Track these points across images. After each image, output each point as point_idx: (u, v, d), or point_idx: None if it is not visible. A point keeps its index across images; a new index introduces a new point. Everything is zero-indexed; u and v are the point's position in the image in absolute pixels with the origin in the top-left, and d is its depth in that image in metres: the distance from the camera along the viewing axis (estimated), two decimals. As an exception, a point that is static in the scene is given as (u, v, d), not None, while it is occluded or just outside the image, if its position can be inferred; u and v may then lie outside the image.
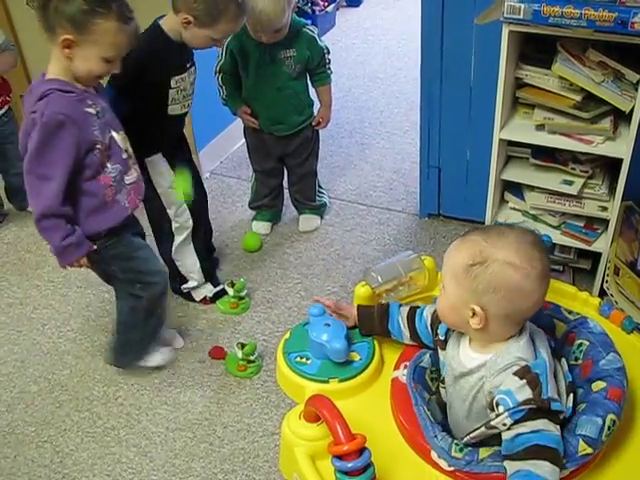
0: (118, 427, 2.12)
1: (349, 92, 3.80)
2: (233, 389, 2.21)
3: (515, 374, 1.19)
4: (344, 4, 4.63)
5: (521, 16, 1.93)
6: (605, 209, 2.20)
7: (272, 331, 2.41)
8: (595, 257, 2.36)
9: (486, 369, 1.26)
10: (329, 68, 2.61)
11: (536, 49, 2.19)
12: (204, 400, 2.18)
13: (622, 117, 2.11)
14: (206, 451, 2.04)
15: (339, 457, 1.20)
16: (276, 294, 2.56)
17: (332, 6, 4.29)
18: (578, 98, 2.09)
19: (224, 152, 3.32)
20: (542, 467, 1.14)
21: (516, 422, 1.17)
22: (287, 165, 2.78)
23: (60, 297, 2.61)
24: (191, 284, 2.49)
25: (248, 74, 2.53)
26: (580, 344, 1.36)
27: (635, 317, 1.84)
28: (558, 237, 2.26)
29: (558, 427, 1.18)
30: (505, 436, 1.19)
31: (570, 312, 1.46)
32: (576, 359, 1.36)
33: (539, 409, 1.16)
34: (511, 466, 1.17)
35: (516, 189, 2.36)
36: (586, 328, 1.39)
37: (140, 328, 2.16)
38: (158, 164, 2.26)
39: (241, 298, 2.47)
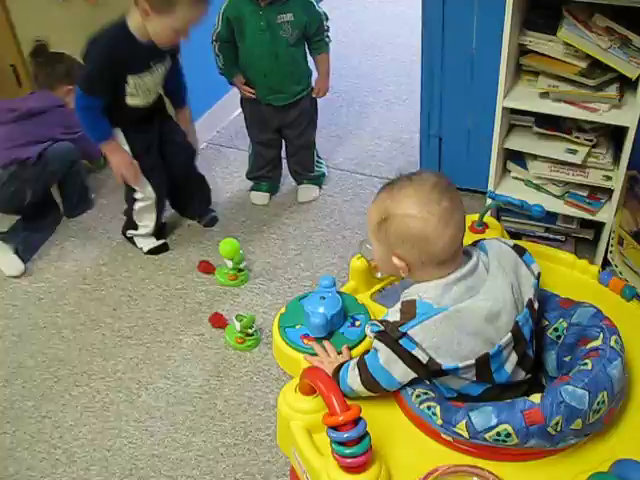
0: (117, 401, 2.10)
1: (346, 60, 3.72)
2: (233, 362, 2.19)
3: (402, 301, 1.27)
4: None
5: (527, -20, 1.87)
6: (609, 178, 2.16)
7: (271, 303, 2.38)
8: (597, 227, 2.33)
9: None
10: (327, 36, 2.55)
11: (540, 15, 2.14)
12: (204, 373, 2.17)
13: (628, 84, 2.07)
14: (207, 425, 2.02)
15: (334, 428, 1.18)
16: (275, 265, 2.53)
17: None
18: (583, 65, 2.04)
19: (221, 122, 3.26)
20: (353, 372, 1.31)
21: (375, 336, 1.28)
22: (285, 136, 2.72)
23: (56, 270, 2.58)
24: (137, 232, 2.59)
25: (244, 41, 2.48)
26: (586, 363, 1.27)
27: (639, 288, 1.82)
28: (562, 207, 2.24)
29: (398, 363, 1.24)
30: None
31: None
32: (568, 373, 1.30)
33: (387, 335, 1.25)
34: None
35: (519, 158, 2.32)
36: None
37: None
38: (117, 136, 2.32)
39: (240, 270, 2.44)
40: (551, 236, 2.39)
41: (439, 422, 1.23)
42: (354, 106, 3.36)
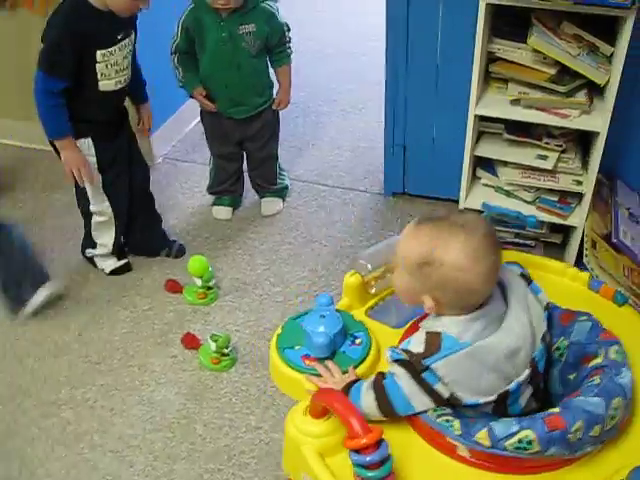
0: (91, 431, 2.00)
1: (299, 70, 3.65)
2: (210, 384, 2.12)
3: (426, 332, 1.26)
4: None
5: (500, -12, 1.88)
6: (579, 183, 2.19)
7: (244, 321, 2.32)
8: (565, 231, 2.36)
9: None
10: (289, 47, 2.51)
11: (507, 22, 2.15)
12: (180, 397, 2.08)
13: (595, 90, 2.10)
14: (188, 451, 1.94)
15: (356, 451, 1.15)
16: (244, 282, 2.47)
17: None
18: (552, 72, 2.07)
19: (176, 135, 3.17)
20: (369, 395, 1.27)
21: (397, 363, 1.25)
22: (247, 149, 2.66)
23: (13, 295, 2.45)
24: (96, 252, 2.48)
25: (205, 51, 2.41)
26: (592, 381, 1.28)
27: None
28: (533, 212, 2.24)
29: (419, 393, 1.23)
30: None
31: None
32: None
33: (411, 365, 1.23)
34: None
35: (488, 165, 2.33)
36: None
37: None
38: (85, 148, 2.19)
39: (209, 288, 2.37)
40: (521, 241, 2.40)
41: (457, 432, 1.21)
42: (310, 116, 3.33)
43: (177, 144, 3.18)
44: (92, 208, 2.32)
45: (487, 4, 1.94)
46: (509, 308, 1.29)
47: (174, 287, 2.42)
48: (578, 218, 2.22)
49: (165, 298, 2.41)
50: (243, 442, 1.95)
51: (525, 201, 2.26)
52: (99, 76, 2.08)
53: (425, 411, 1.26)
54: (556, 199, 2.25)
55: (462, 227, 1.24)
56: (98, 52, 2.04)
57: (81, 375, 2.16)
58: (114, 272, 2.49)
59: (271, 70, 2.56)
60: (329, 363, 1.41)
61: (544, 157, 2.18)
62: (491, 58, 2.16)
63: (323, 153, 3.10)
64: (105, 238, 2.42)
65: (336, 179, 2.94)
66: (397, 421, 1.31)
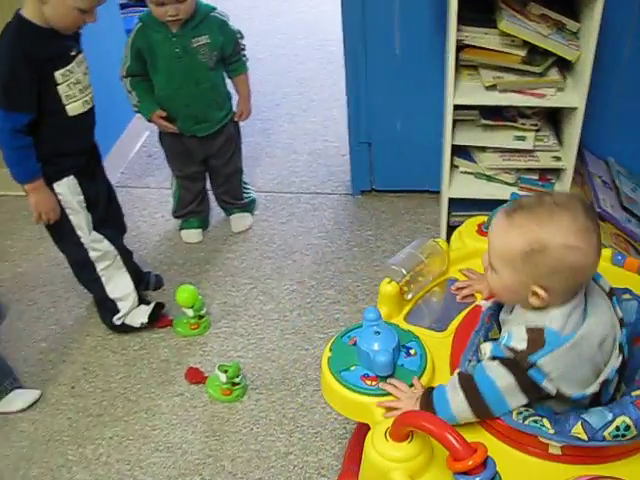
0: (112, 490, 1.88)
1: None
2: (225, 417, 2.03)
3: (527, 328, 1.21)
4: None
5: (473, -24, 1.87)
6: (559, 159, 2.22)
7: (244, 345, 2.23)
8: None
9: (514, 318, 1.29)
10: (244, 55, 2.43)
11: (469, 9, 2.14)
12: (199, 436, 1.98)
13: (566, 67, 2.13)
14: (222, 491, 1.86)
15: (464, 472, 1.10)
16: (234, 304, 2.38)
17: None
18: (523, 53, 2.08)
19: (123, 162, 3.03)
20: (456, 395, 1.23)
21: (493, 358, 1.22)
22: (211, 166, 2.57)
23: None
24: (123, 311, 2.24)
25: (159, 71, 2.31)
26: None
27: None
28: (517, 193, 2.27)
29: (515, 388, 1.20)
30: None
31: None
32: None
33: (516, 363, 1.19)
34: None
35: (464, 152, 2.33)
36: None
37: None
38: (69, 186, 2.02)
39: (201, 317, 2.27)
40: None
41: (551, 432, 1.19)
42: (256, 124, 3.24)
43: (125, 171, 3.03)
44: (92, 255, 2.11)
45: (459, -7, 1.92)
46: (588, 296, 1.26)
47: (163, 321, 2.30)
48: (561, 193, 2.26)
49: (154, 334, 2.29)
50: (277, 471, 1.88)
51: (507, 183, 2.27)
52: (64, 100, 1.90)
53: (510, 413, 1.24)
54: (536, 177, 2.27)
55: (561, 206, 1.19)
56: (57, 73, 1.87)
57: (85, 431, 2.02)
58: (151, 319, 2.26)
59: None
60: (393, 381, 1.37)
61: (522, 138, 2.20)
62: (459, 46, 2.15)
63: (279, 160, 3.04)
64: (121, 286, 2.20)
65: (299, 185, 2.88)
66: (473, 430, 1.29)
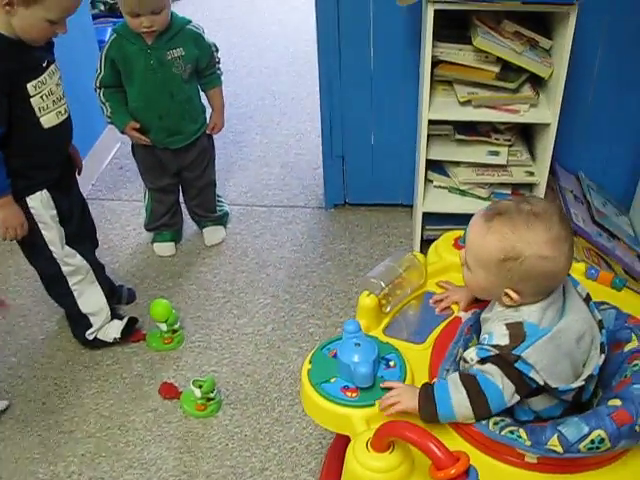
0: (85, 508, 1.85)
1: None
2: (200, 432, 2.00)
3: (506, 324, 1.25)
4: (169, -2, 4.36)
5: (449, -6, 1.90)
6: (532, 174, 2.26)
7: (218, 359, 2.21)
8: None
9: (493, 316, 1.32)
10: (219, 68, 2.42)
11: (443, 25, 2.17)
12: (173, 452, 1.95)
13: (538, 83, 2.17)
14: (196, 508, 1.83)
15: (446, 481, 1.12)
16: (207, 318, 2.36)
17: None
18: (497, 70, 2.12)
19: (94, 174, 2.99)
20: (459, 393, 1.23)
21: (480, 360, 1.25)
22: (184, 179, 2.55)
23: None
24: (95, 326, 2.21)
25: (133, 82, 2.29)
26: (636, 365, 1.33)
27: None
28: (489, 208, 2.29)
29: (510, 385, 1.22)
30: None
31: None
32: (625, 377, 1.32)
33: (502, 358, 1.22)
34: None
35: (438, 167, 2.35)
36: None
37: None
38: (42, 200, 1.96)
39: (175, 331, 2.24)
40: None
41: (527, 443, 1.20)
42: (229, 137, 3.24)
43: (96, 183, 2.99)
44: (64, 269, 2.06)
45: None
46: (567, 295, 1.31)
47: (136, 335, 2.27)
48: (533, 208, 2.29)
49: (127, 349, 2.26)
50: (252, 487, 1.87)
51: (481, 198, 2.30)
52: (38, 112, 1.86)
53: (484, 420, 1.25)
54: (509, 192, 2.30)
55: (537, 216, 1.23)
56: (28, 85, 1.83)
57: (57, 448, 1.98)
58: (124, 334, 2.23)
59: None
60: (387, 383, 1.36)
61: (496, 153, 2.24)
62: (433, 62, 2.17)
63: (252, 173, 3.03)
64: (93, 300, 2.16)
65: (272, 198, 2.88)
66: (452, 439, 1.29)
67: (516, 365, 1.21)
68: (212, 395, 2.03)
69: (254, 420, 2.03)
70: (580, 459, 1.21)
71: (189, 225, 2.72)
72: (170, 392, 2.10)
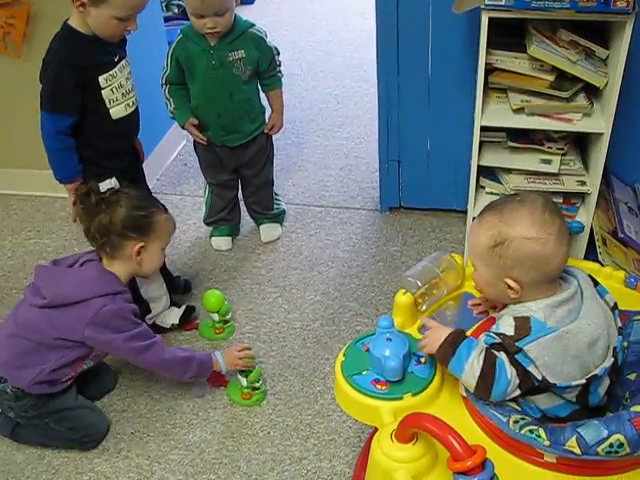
0: (132, 483, 1.95)
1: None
2: (244, 419, 2.08)
3: (514, 317, 1.31)
4: (238, 2, 4.48)
5: (503, 2, 1.92)
6: (583, 183, 2.25)
7: (266, 351, 2.29)
8: (568, 230, 2.42)
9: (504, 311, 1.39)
10: (280, 71, 2.50)
11: (499, 33, 2.19)
12: (217, 436, 2.04)
13: (593, 93, 2.17)
14: (235, 491, 1.91)
15: (462, 472, 1.16)
16: (258, 312, 2.44)
17: (231, 5, 4.14)
18: (551, 78, 2.12)
19: (159, 169, 3.12)
20: (477, 362, 1.27)
21: (489, 346, 1.30)
22: (243, 176, 2.64)
23: None
24: (154, 312, 2.32)
25: (195, 80, 2.39)
26: None
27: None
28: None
29: (515, 376, 1.27)
30: None
31: None
32: None
33: (503, 347, 1.28)
34: None
35: (491, 173, 2.37)
36: None
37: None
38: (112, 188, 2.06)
39: (226, 322, 2.33)
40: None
41: (546, 443, 1.23)
42: (291, 138, 3.32)
43: (161, 178, 3.13)
44: None
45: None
46: (584, 300, 1.34)
47: (189, 324, 2.37)
48: (585, 217, 2.28)
49: (180, 336, 2.36)
50: (290, 475, 1.93)
51: (532, 205, 2.30)
52: (108, 103, 2.02)
53: (502, 412, 1.29)
54: (561, 201, 2.30)
55: (521, 202, 1.32)
56: (100, 78, 1.99)
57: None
58: (182, 321, 2.36)
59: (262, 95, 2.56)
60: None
61: (548, 161, 2.24)
62: (488, 69, 2.20)
63: (311, 173, 3.10)
64: (154, 287, 2.27)
65: (329, 199, 2.94)
66: (474, 435, 1.32)
67: (516, 357, 1.26)
68: (258, 385, 2.11)
69: (296, 411, 2.09)
70: (601, 462, 1.23)
71: (247, 221, 2.81)
72: (218, 380, 2.18)
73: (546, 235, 1.28)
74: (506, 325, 1.30)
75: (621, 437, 1.18)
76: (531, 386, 1.28)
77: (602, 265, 2.16)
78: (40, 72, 2.00)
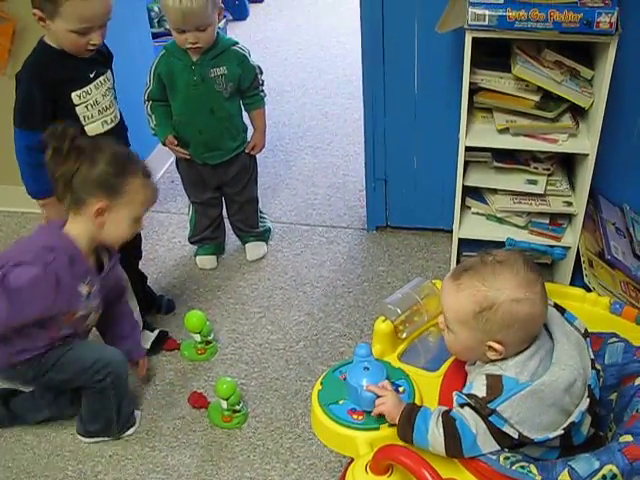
0: (107, 508, 1.91)
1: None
2: (224, 442, 2.05)
3: (486, 375, 1.28)
4: (230, 18, 4.50)
5: (486, 22, 1.91)
6: (570, 204, 2.23)
7: (248, 373, 2.26)
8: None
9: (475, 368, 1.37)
10: (262, 90, 2.49)
11: (484, 53, 2.18)
12: (195, 460, 2.01)
13: (579, 113, 2.15)
14: (213, 517, 1.87)
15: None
16: (241, 332, 2.41)
17: (222, 22, 4.14)
18: (536, 98, 2.11)
19: (146, 186, 3.10)
20: (437, 429, 1.25)
21: (461, 406, 1.28)
22: (226, 194, 2.62)
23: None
24: None
25: (177, 97, 2.38)
26: None
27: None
28: (526, 237, 2.26)
29: (485, 430, 1.24)
30: None
31: None
32: (636, 411, 1.31)
33: (476, 410, 1.25)
34: None
35: (477, 193, 2.35)
36: None
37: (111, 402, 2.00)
38: None
39: (208, 342, 2.30)
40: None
41: (538, 478, 1.21)
42: (279, 155, 3.31)
43: (148, 195, 3.10)
44: None
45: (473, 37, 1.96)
46: (556, 341, 1.32)
47: (170, 344, 2.34)
48: (571, 238, 2.26)
49: (162, 357, 2.33)
50: (269, 500, 1.90)
51: (518, 226, 2.29)
52: (83, 120, 2.00)
53: (493, 455, 1.25)
54: (547, 222, 2.28)
55: (501, 263, 1.28)
56: (73, 94, 1.97)
57: (86, 448, 2.05)
58: (154, 347, 2.32)
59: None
60: (385, 383, 1.40)
61: (534, 182, 2.22)
62: (472, 89, 2.18)
63: (299, 192, 3.08)
64: None
65: (316, 218, 2.92)
66: (458, 472, 1.29)
67: (490, 419, 1.23)
68: (238, 407, 2.08)
69: (277, 434, 2.06)
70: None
71: (232, 239, 2.78)
72: (199, 401, 2.15)
73: (534, 295, 1.26)
74: (479, 385, 1.27)
75: (614, 467, 1.17)
76: (511, 443, 1.25)
77: (587, 289, 2.17)
78: (15, 89, 1.99)
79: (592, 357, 1.33)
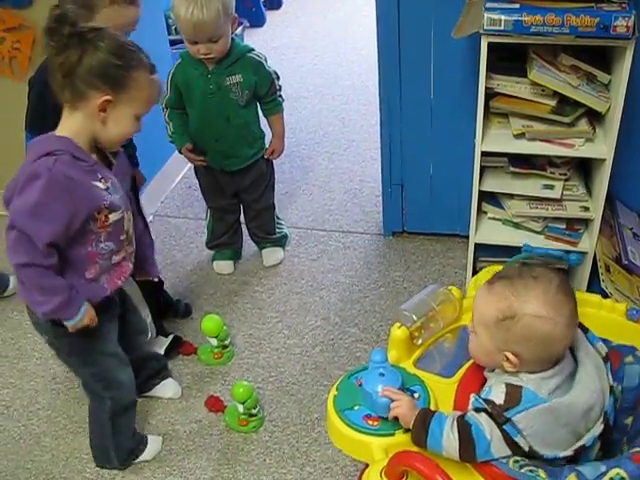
0: (124, 510, 1.93)
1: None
2: (240, 446, 2.06)
3: (507, 384, 1.29)
4: (247, 25, 4.52)
5: (502, 27, 1.91)
6: (586, 209, 2.22)
7: (265, 377, 2.27)
8: (572, 256, 2.39)
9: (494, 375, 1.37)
10: (280, 95, 2.49)
11: (500, 58, 2.17)
12: (212, 463, 2.02)
13: (595, 118, 2.14)
14: (229, 520, 1.88)
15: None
16: (258, 337, 2.42)
17: (240, 28, 4.17)
18: (553, 103, 2.10)
19: (163, 192, 3.13)
20: (452, 434, 1.25)
21: (476, 410, 1.28)
22: (243, 200, 2.64)
23: (19, 372, 2.35)
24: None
25: (193, 105, 2.40)
26: None
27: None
28: (542, 242, 2.26)
29: (500, 437, 1.24)
30: None
31: None
32: None
33: (492, 416, 1.25)
34: None
35: (493, 199, 2.34)
36: None
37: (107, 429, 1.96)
38: None
39: (225, 347, 2.32)
40: (529, 270, 2.42)
41: None
42: (296, 161, 3.32)
43: (165, 200, 3.13)
44: None
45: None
46: (579, 364, 1.32)
47: (187, 349, 2.36)
48: (588, 243, 2.25)
49: (178, 361, 2.35)
50: (285, 504, 1.91)
51: (534, 231, 2.28)
52: None
53: (503, 458, 1.25)
54: (564, 227, 2.27)
55: (536, 279, 1.29)
56: None
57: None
58: (167, 352, 2.33)
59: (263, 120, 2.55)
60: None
61: (550, 187, 2.21)
62: (489, 94, 2.18)
63: (315, 197, 3.09)
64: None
65: (332, 223, 2.93)
66: (468, 475, 1.29)
67: (504, 427, 1.23)
68: (254, 412, 2.09)
69: (293, 438, 2.07)
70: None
71: (250, 245, 2.80)
72: (215, 405, 2.17)
73: (558, 316, 1.26)
74: (497, 391, 1.28)
75: (621, 471, 1.17)
76: (522, 453, 1.25)
77: (604, 294, 2.16)
78: (27, 92, 2.01)
79: (612, 383, 1.34)
